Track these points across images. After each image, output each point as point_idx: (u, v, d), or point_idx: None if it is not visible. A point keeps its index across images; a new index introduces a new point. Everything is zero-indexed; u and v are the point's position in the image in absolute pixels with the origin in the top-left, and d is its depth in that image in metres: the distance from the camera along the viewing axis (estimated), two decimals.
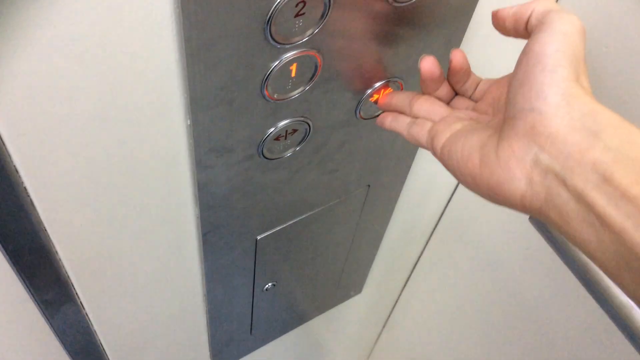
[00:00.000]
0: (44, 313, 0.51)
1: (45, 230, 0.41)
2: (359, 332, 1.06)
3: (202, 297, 0.64)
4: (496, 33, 0.52)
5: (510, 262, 0.73)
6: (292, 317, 0.83)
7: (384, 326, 1.09)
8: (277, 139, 0.47)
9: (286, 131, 0.46)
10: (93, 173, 0.39)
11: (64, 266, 0.46)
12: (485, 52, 0.54)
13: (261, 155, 0.47)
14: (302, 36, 0.38)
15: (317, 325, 0.93)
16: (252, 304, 0.70)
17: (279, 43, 0.38)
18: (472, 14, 0.48)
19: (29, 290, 0.45)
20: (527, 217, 0.52)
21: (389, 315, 1.06)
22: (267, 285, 0.68)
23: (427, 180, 0.70)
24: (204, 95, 0.38)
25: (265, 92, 0.41)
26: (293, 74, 0.41)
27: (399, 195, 0.69)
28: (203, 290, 0.63)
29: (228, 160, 0.45)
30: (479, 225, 0.76)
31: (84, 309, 0.52)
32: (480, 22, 0.49)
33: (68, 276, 0.47)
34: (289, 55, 0.39)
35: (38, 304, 0.49)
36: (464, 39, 0.50)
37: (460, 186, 0.75)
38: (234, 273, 0.62)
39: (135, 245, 0.49)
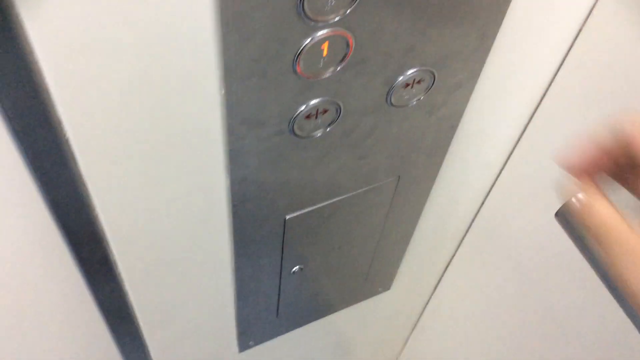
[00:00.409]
0: (80, 268, 0.54)
1: (85, 184, 0.44)
2: (387, 331, 1.07)
3: (231, 273, 0.66)
4: (534, 25, 0.53)
5: (543, 265, 0.72)
6: (318, 306, 0.84)
7: (413, 328, 1.09)
8: (307, 117, 0.48)
9: (317, 110, 0.48)
10: (130, 132, 0.42)
11: (100, 222, 0.49)
12: (524, 43, 0.54)
13: (292, 132, 0.49)
14: (335, 15, 0.40)
15: (344, 319, 0.94)
16: (279, 286, 0.72)
17: (312, 20, 0.40)
18: (508, 4, 0.49)
19: (66, 240, 0.48)
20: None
21: (419, 317, 1.06)
22: (294, 268, 0.70)
23: (460, 178, 0.71)
24: (238, 66, 0.41)
25: (297, 69, 0.43)
26: (325, 53, 0.43)
27: (430, 190, 0.69)
28: (232, 265, 0.65)
29: (259, 133, 0.47)
30: (512, 227, 0.76)
31: (117, 267, 0.55)
32: (516, 14, 0.50)
33: (104, 233, 0.50)
34: (322, 33, 0.41)
35: (74, 258, 0.52)
36: (500, 30, 0.51)
37: (495, 188, 0.75)
38: (262, 251, 0.64)
39: (168, 210, 0.52)
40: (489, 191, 0.76)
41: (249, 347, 0.84)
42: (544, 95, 0.61)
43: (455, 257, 0.89)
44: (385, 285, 0.89)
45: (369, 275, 0.83)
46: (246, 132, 0.47)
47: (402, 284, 0.91)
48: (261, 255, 0.65)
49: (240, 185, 0.52)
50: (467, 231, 0.84)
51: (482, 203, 0.78)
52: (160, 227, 0.53)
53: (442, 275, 0.93)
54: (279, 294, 0.74)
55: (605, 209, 0.42)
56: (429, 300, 1.00)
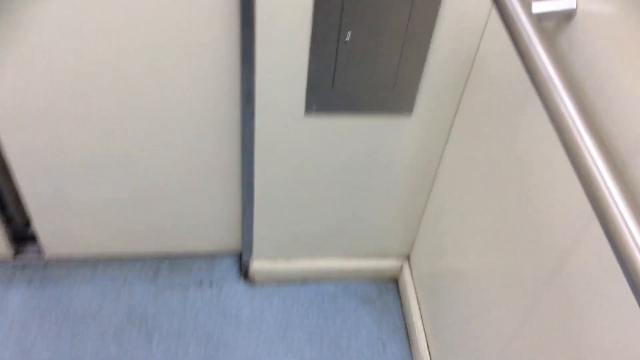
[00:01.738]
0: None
1: None
2: (415, 160, 1.47)
3: (309, 36, 1.15)
4: None
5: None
6: (359, 98, 1.29)
7: (438, 165, 1.49)
8: None
9: None
10: None
11: None
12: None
13: None
14: None
15: (377, 135, 1.37)
16: (336, 53, 1.19)
17: None
18: None
19: None
20: None
21: (443, 151, 1.45)
22: (347, 37, 1.17)
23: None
24: None
25: None
26: None
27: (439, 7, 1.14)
28: (310, 29, 1.14)
29: None
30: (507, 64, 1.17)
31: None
32: None
33: None
34: None
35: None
36: None
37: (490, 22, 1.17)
38: (328, 12, 1.12)
39: None
40: (485, 26, 1.18)
41: (312, 110, 1.31)
42: None
43: (464, 96, 1.30)
44: (408, 107, 1.32)
45: (395, 85, 1.27)
46: None
47: (422, 112, 1.33)
48: (327, 19, 1.13)
49: None
50: (470, 70, 1.25)
51: (481, 37, 1.20)
52: None
53: (457, 111, 1.34)
54: (335, 62, 1.21)
55: None
56: (449, 136, 1.40)
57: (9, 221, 1.69)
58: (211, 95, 1.34)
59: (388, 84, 1.27)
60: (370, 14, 1.15)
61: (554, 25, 0.91)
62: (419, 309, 1.65)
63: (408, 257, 1.75)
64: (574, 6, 0.86)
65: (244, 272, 1.75)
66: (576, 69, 0.84)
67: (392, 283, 1.80)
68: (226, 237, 1.75)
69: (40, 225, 1.65)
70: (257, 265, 1.71)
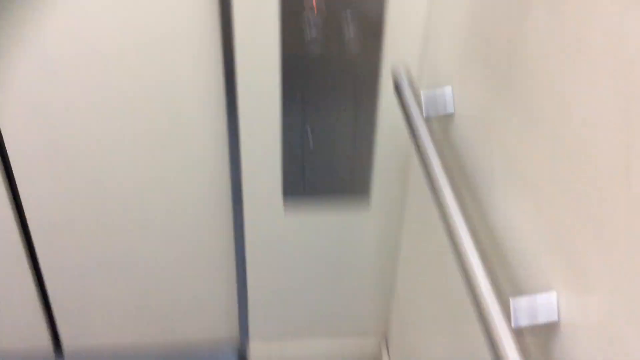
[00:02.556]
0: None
1: None
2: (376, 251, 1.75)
3: (279, 131, 1.52)
4: None
5: None
6: (323, 185, 1.62)
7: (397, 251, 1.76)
8: None
9: None
10: None
11: None
12: None
13: None
14: None
15: (344, 226, 1.68)
16: (302, 148, 1.55)
17: None
18: None
19: None
20: None
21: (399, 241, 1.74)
22: (308, 132, 1.54)
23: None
24: None
25: None
26: None
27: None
28: (280, 124, 1.52)
29: None
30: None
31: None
32: None
33: None
34: None
35: None
36: None
37: None
38: (293, 117, 1.50)
39: None
40: None
41: (288, 196, 1.63)
42: None
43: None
44: (365, 196, 1.64)
45: (352, 176, 1.61)
46: None
47: (377, 206, 1.65)
48: (292, 119, 1.51)
49: None
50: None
51: None
52: None
53: (406, 198, 1.65)
54: (302, 156, 1.57)
55: None
56: (403, 223, 1.70)
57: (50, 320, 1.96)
58: (205, 196, 1.68)
59: (346, 174, 1.61)
60: (324, 115, 1.52)
61: None
62: None
63: (387, 341, 1.96)
64: None
65: None
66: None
67: None
68: (225, 330, 1.99)
69: (60, 321, 1.91)
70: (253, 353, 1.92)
